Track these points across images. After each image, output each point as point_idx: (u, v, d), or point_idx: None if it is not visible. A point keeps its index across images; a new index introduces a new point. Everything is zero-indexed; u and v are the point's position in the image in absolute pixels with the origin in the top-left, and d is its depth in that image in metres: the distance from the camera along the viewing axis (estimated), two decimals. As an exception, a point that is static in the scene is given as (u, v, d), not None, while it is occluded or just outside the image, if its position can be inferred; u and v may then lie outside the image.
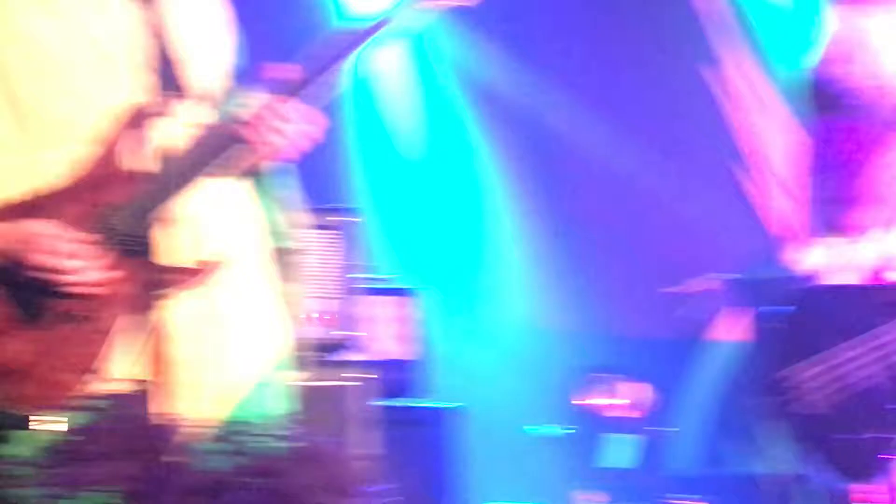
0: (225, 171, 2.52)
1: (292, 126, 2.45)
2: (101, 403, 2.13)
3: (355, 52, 2.49)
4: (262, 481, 1.57)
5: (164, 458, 1.59)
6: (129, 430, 1.69)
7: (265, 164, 2.59)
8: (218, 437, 1.70)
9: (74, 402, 2.46)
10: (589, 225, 5.37)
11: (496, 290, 5.58)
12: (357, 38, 2.50)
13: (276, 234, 2.72)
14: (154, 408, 2.17)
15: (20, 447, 2.38)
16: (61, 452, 1.68)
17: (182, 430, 1.74)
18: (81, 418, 2.33)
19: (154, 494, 1.56)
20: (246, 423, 1.78)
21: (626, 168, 5.31)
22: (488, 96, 5.52)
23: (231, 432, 1.69)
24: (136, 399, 2.19)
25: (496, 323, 5.59)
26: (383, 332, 4.31)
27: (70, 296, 2.46)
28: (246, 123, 2.46)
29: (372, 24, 2.55)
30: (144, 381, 2.40)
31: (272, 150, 2.51)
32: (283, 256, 2.75)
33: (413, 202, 5.66)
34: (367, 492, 1.69)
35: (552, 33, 5.52)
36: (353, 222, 4.14)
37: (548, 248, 5.46)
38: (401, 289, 4.48)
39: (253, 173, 2.66)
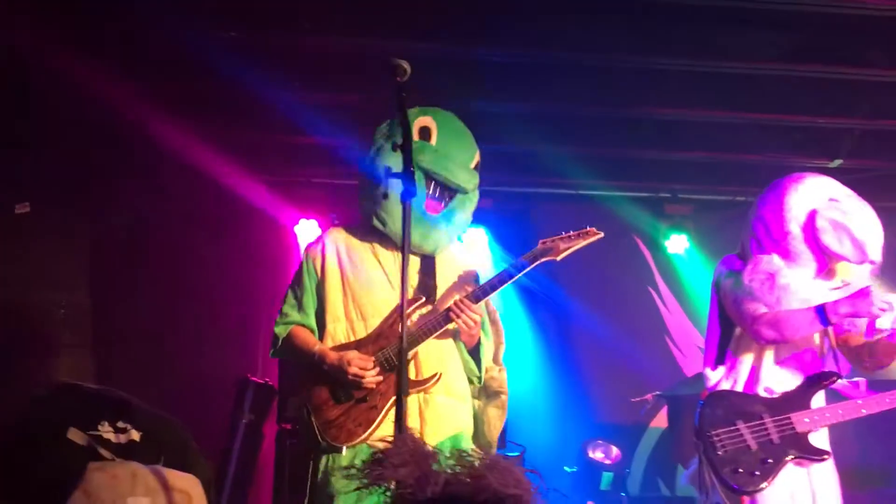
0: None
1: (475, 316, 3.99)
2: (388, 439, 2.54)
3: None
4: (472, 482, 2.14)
5: (426, 469, 2.23)
6: (410, 451, 2.31)
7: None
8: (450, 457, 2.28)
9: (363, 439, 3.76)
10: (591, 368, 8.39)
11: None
12: (521, 267, 3.98)
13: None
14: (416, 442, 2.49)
15: (351, 458, 3.88)
16: (373, 462, 2.37)
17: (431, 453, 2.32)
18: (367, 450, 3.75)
19: (422, 489, 2.17)
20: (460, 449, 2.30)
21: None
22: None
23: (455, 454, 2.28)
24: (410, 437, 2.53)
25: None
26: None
27: (361, 388, 3.97)
28: (456, 310, 3.95)
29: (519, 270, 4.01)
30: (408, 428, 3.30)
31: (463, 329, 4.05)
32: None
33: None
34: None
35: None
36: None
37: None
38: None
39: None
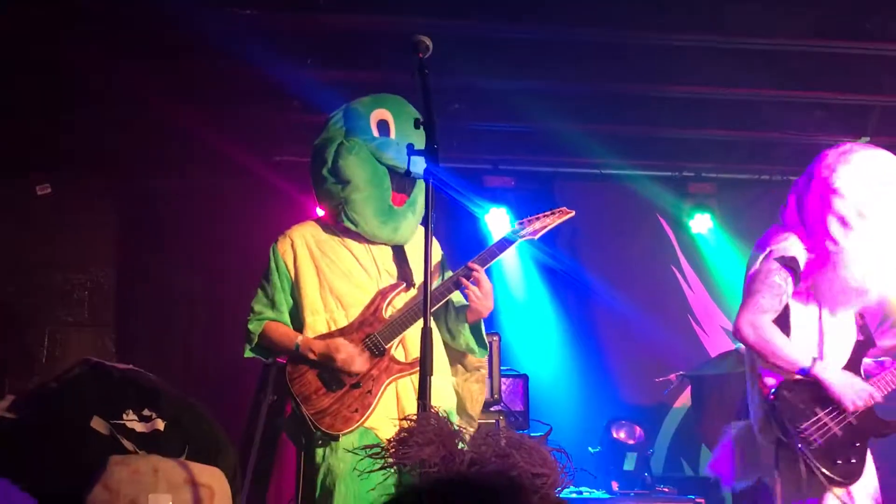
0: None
1: (486, 286, 4.08)
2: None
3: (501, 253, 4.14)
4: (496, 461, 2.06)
5: (452, 448, 2.19)
6: (435, 430, 2.28)
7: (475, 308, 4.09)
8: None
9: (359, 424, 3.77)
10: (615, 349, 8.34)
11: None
12: (503, 246, 4.15)
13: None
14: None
15: (350, 443, 3.89)
16: (398, 441, 2.34)
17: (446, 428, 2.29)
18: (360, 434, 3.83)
19: (448, 468, 2.12)
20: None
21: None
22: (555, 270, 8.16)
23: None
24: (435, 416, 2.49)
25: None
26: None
27: (352, 375, 4.01)
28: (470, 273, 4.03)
29: (510, 241, 4.15)
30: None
31: (477, 300, 4.08)
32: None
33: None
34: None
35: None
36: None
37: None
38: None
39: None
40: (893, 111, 7.27)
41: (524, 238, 4.19)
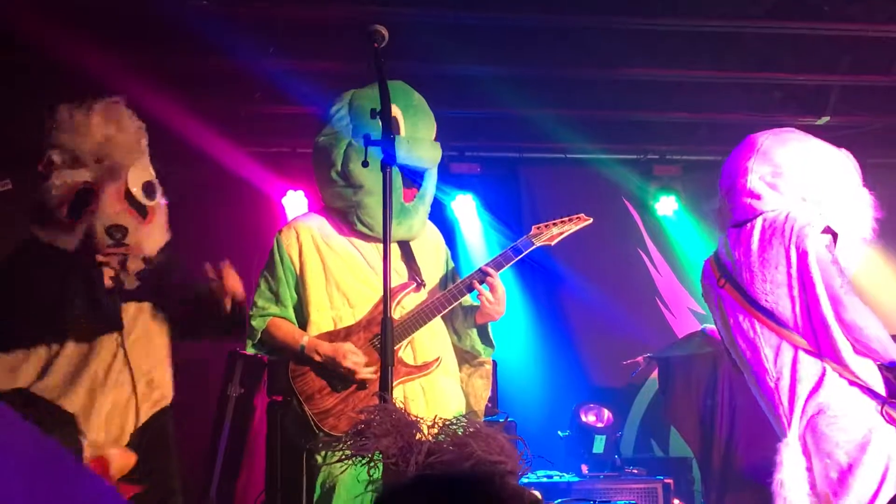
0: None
1: (500, 291, 4.05)
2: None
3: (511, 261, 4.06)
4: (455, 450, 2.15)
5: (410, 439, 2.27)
6: (393, 421, 2.35)
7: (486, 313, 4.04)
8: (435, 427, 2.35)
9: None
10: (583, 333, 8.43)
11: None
12: (511, 256, 4.08)
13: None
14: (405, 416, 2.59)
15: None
16: (356, 433, 2.45)
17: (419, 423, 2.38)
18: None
19: (406, 459, 2.21)
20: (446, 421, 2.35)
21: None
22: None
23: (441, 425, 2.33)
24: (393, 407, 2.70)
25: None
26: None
27: (357, 377, 3.94)
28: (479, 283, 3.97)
29: (520, 253, 4.12)
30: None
31: (489, 304, 4.04)
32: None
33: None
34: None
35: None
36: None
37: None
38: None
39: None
40: (852, 91, 7.34)
41: (541, 244, 4.16)
